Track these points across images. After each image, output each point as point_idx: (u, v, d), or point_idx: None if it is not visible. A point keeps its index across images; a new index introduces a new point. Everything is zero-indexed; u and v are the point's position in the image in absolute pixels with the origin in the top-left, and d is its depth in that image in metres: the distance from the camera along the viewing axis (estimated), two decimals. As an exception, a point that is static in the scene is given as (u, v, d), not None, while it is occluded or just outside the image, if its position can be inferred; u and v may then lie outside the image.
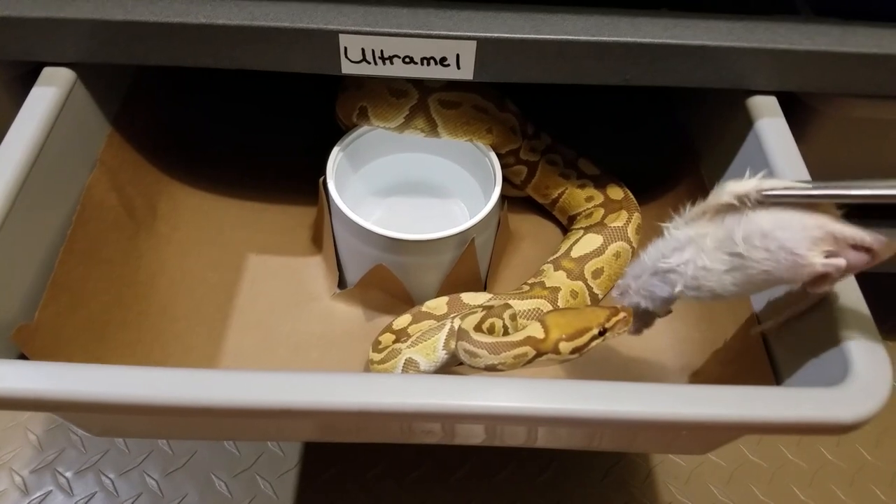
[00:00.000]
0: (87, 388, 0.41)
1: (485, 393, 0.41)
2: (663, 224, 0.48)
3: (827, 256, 0.41)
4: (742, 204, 0.43)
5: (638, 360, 0.64)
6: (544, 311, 0.63)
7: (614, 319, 0.51)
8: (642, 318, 0.53)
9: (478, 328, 0.53)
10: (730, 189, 0.43)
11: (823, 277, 0.42)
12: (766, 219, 0.42)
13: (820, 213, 0.41)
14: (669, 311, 0.52)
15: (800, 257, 0.41)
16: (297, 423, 0.55)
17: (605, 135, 0.81)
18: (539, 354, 0.51)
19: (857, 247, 0.41)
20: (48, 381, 0.41)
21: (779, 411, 0.41)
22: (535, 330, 0.51)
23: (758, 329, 0.53)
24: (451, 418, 0.45)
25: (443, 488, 0.81)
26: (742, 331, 0.55)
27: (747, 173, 0.44)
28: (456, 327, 0.57)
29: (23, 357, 0.49)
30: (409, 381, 0.42)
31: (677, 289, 0.47)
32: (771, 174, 0.53)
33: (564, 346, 0.51)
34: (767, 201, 0.43)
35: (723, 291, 0.45)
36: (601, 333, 0.51)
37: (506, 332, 0.56)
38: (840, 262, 0.41)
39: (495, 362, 0.51)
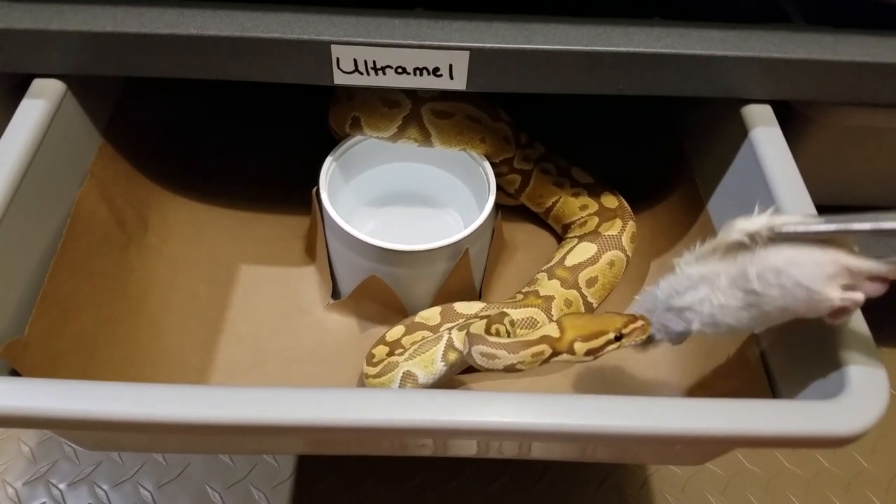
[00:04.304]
0: (78, 406, 0.41)
1: (477, 408, 0.41)
2: (674, 260, 0.48)
3: (844, 290, 0.41)
4: (753, 241, 0.43)
5: (634, 373, 0.64)
6: (538, 319, 0.63)
7: (632, 326, 0.51)
8: (651, 341, 0.53)
9: (487, 332, 0.53)
10: (739, 227, 0.43)
11: (841, 310, 0.42)
12: (779, 256, 0.42)
13: (833, 248, 0.41)
14: (682, 341, 0.52)
15: (816, 293, 0.41)
16: (289, 439, 0.55)
17: (598, 142, 0.81)
18: (555, 353, 0.51)
19: (873, 277, 0.40)
20: (40, 398, 0.41)
21: (775, 425, 0.41)
22: (552, 329, 0.52)
23: (757, 351, 0.52)
24: (444, 434, 0.44)
25: (438, 498, 0.81)
26: (741, 346, 0.55)
27: (756, 209, 0.43)
28: (454, 338, 0.57)
29: (13, 373, 0.49)
30: (401, 397, 0.42)
31: (695, 326, 0.47)
32: (766, 184, 0.54)
33: (579, 347, 0.51)
34: (779, 238, 0.42)
35: (740, 326, 0.45)
36: (617, 339, 0.51)
37: (508, 337, 0.56)
38: (858, 296, 0.41)
39: (514, 361, 0.51)
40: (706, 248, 0.46)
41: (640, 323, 0.51)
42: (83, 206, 0.58)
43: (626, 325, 0.51)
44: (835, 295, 0.41)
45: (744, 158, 0.58)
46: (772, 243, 0.43)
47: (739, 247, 0.44)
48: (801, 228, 0.42)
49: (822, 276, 0.41)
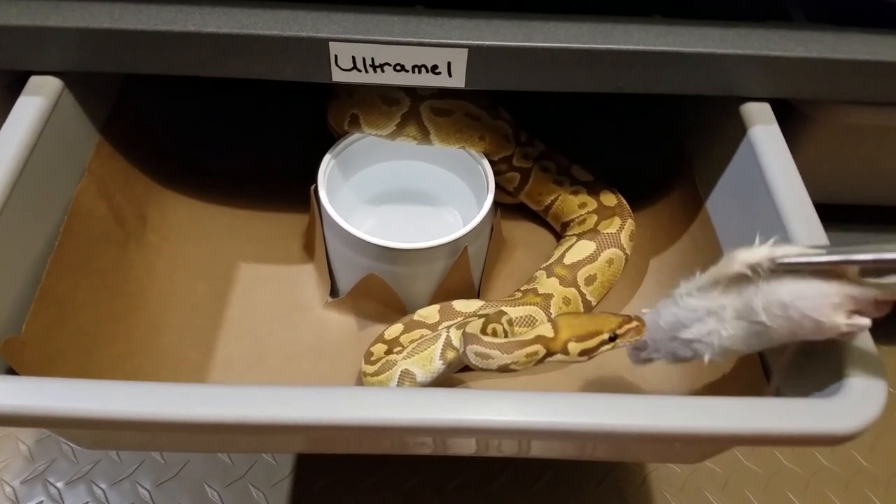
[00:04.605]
0: (76, 405, 0.40)
1: (477, 407, 0.41)
2: (673, 291, 0.48)
3: (850, 316, 0.41)
4: (755, 273, 0.43)
5: (632, 373, 0.63)
6: (537, 318, 0.63)
7: (626, 327, 0.51)
8: (650, 360, 0.53)
9: (483, 332, 0.53)
10: (741, 259, 0.43)
11: (848, 333, 0.42)
12: (783, 290, 0.42)
13: (836, 278, 0.41)
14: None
15: (823, 323, 0.41)
16: (287, 437, 0.55)
17: (598, 141, 0.81)
18: (549, 353, 0.51)
19: (878, 303, 0.40)
20: (37, 397, 0.41)
21: (773, 423, 0.41)
22: (546, 329, 0.52)
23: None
24: (444, 433, 0.44)
25: (438, 498, 0.80)
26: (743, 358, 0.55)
27: (757, 240, 0.43)
28: (452, 337, 0.57)
29: (11, 371, 0.49)
30: (400, 396, 0.42)
31: (706, 357, 0.47)
32: (765, 183, 0.54)
33: (573, 347, 0.51)
34: (780, 269, 0.42)
35: (750, 350, 0.46)
36: (612, 339, 0.51)
37: (506, 337, 0.55)
38: (865, 321, 0.41)
39: (508, 361, 0.51)
40: (707, 278, 0.46)
41: (634, 323, 0.51)
42: (81, 203, 0.58)
43: (620, 326, 0.51)
44: (841, 322, 0.41)
45: (743, 157, 0.58)
46: (774, 275, 0.42)
47: (741, 278, 0.44)
48: (803, 260, 0.42)
49: (828, 306, 0.40)
